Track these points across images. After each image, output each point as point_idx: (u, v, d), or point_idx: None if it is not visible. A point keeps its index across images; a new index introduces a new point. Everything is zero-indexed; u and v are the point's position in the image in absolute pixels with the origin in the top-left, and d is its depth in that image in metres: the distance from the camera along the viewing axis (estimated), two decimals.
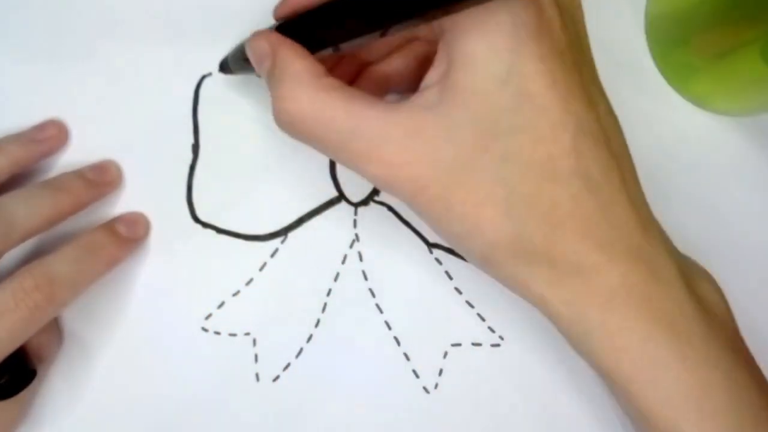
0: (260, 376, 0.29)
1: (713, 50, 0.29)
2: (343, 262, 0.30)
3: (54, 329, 0.28)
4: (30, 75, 0.30)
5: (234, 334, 0.29)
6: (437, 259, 0.30)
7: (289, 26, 0.24)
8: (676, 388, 0.22)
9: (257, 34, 0.24)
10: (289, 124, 0.23)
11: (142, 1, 0.30)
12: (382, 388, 0.29)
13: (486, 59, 0.20)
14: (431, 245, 0.30)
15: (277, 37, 0.23)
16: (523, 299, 0.23)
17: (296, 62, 0.22)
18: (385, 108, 0.22)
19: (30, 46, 0.30)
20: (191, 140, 0.30)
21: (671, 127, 0.31)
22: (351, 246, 0.30)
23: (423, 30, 0.26)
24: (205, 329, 0.29)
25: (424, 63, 0.26)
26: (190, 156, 0.30)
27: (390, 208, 0.30)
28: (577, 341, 0.23)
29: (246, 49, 0.24)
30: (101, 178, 0.29)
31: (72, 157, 0.29)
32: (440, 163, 0.21)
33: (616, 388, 0.23)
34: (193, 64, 0.30)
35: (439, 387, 0.29)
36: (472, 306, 0.30)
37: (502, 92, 0.20)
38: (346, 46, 0.22)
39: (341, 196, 0.30)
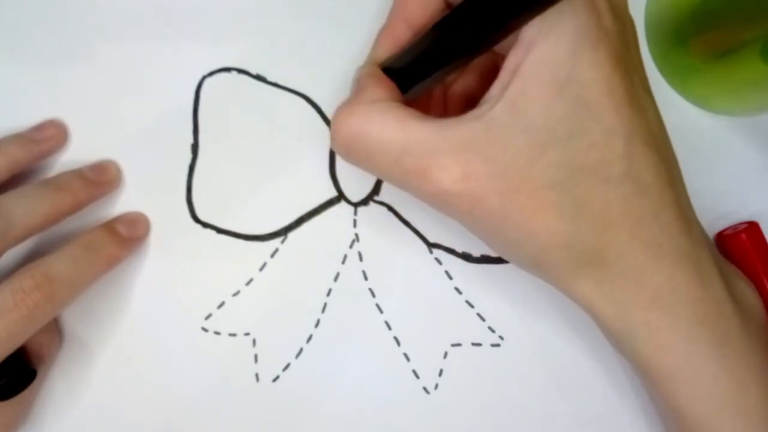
0: (260, 377, 0.29)
1: (713, 50, 0.29)
2: (343, 262, 0.30)
3: (54, 329, 0.28)
4: (30, 75, 0.30)
5: (234, 334, 0.29)
6: (437, 259, 0.30)
7: (387, 68, 0.25)
8: (714, 385, 0.23)
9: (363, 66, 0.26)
10: (343, 144, 0.23)
11: (142, 1, 0.30)
12: (382, 389, 0.29)
13: (548, 68, 0.21)
14: (431, 245, 0.30)
15: (371, 69, 0.25)
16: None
17: (369, 88, 0.23)
18: (438, 123, 0.22)
19: (30, 46, 0.30)
20: (191, 140, 0.30)
21: (671, 127, 0.31)
22: (351, 246, 0.30)
23: None
24: (205, 329, 0.29)
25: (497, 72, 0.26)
26: (189, 156, 0.30)
27: (390, 208, 0.30)
28: (620, 339, 0.24)
29: None
30: (100, 178, 0.29)
31: (72, 157, 0.30)
32: (495, 173, 0.21)
33: (655, 387, 0.24)
34: (193, 64, 0.30)
35: (439, 387, 0.29)
36: (472, 306, 0.30)
37: (560, 100, 0.21)
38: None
39: (341, 196, 0.30)
